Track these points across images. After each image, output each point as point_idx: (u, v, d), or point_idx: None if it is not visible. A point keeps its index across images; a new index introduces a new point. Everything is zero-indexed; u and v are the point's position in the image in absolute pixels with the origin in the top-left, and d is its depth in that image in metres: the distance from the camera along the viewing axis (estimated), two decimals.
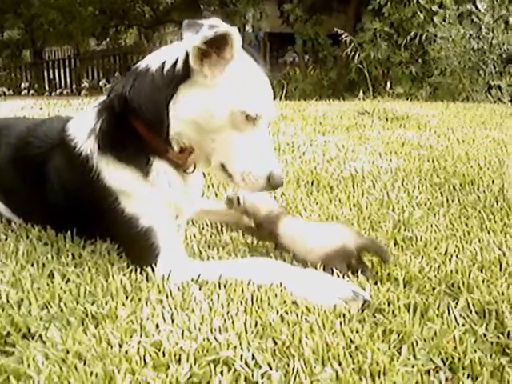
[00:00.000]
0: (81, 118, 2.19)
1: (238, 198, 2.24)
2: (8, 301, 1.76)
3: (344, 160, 3.57)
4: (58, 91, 16.01)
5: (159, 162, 2.01)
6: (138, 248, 2.01)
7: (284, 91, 8.11)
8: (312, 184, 3.01)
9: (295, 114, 5.90)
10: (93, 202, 2.05)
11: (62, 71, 18.64)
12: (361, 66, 9.56)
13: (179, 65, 1.87)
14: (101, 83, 14.09)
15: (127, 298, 1.79)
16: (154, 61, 1.96)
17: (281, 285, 1.81)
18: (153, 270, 1.94)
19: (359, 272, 1.95)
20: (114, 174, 2.01)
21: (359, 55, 10.36)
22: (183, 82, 1.88)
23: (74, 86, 17.36)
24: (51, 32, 18.82)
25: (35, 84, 16.66)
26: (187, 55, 1.84)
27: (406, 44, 11.56)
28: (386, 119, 5.67)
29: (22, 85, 15.01)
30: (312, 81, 13.32)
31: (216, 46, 1.80)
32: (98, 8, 18.51)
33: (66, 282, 1.88)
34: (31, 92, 14.42)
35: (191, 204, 2.19)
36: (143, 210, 2.00)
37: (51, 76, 18.63)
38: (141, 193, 2.00)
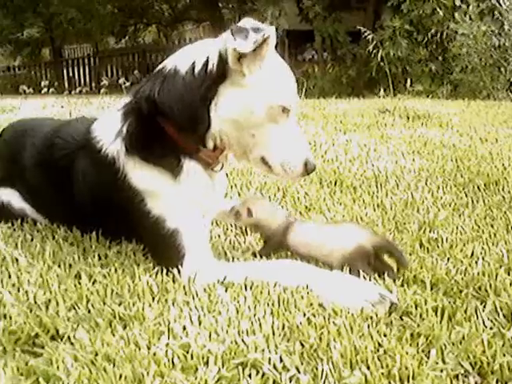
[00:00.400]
0: (106, 120, 2.20)
1: (249, 210, 2.16)
2: (36, 302, 1.78)
3: (366, 159, 3.56)
4: (77, 89, 16.04)
5: (190, 161, 2.01)
6: (164, 249, 2.01)
7: (304, 89, 8.10)
8: (335, 184, 3.00)
9: (315, 113, 5.88)
10: (119, 203, 2.07)
11: (81, 69, 18.76)
12: (382, 64, 9.50)
13: (213, 65, 1.89)
14: (120, 81, 14.03)
15: (154, 299, 1.79)
16: (181, 62, 1.96)
17: (307, 287, 1.80)
18: (179, 271, 1.94)
19: (383, 274, 1.94)
20: (142, 175, 2.02)
21: (379, 53, 10.32)
22: (222, 82, 1.90)
23: (93, 84, 17.45)
24: (70, 30, 18.96)
25: (55, 82, 16.66)
26: (220, 56, 1.87)
27: (426, 41, 11.49)
28: (408, 118, 5.63)
29: (42, 83, 14.99)
30: (331, 78, 13.27)
31: (257, 46, 1.84)
32: (116, 6, 18.61)
33: (93, 283, 1.89)
34: (51, 90, 14.43)
35: (216, 203, 2.21)
36: (170, 212, 2.00)
37: (70, 74, 18.75)
38: (168, 193, 2.01)
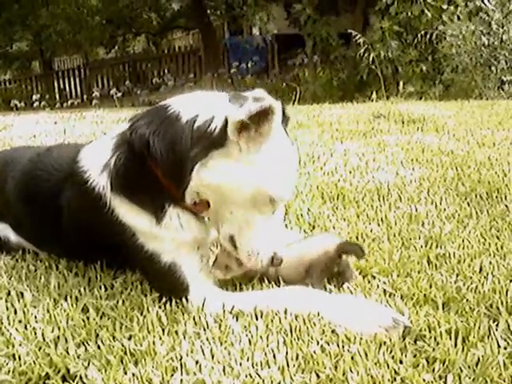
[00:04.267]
0: (94, 149, 2.12)
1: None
2: (44, 339, 1.75)
3: (366, 170, 3.54)
4: (69, 102, 16.05)
5: (174, 208, 1.94)
6: (166, 282, 1.98)
7: (297, 96, 8.10)
8: (337, 198, 2.98)
9: (310, 121, 5.87)
10: (111, 237, 2.01)
11: (72, 81, 18.72)
12: (373, 66, 9.51)
13: (215, 128, 1.78)
14: (111, 92, 14.06)
15: (163, 330, 1.77)
16: (186, 110, 1.86)
17: (318, 314, 1.78)
18: (187, 301, 1.92)
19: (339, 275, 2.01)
20: (129, 213, 1.96)
21: (369, 55, 10.33)
22: (217, 148, 1.79)
23: (84, 96, 17.40)
24: (60, 42, 18.95)
25: (46, 95, 16.71)
26: (226, 122, 1.76)
27: (416, 42, 11.49)
28: (403, 122, 5.63)
29: (34, 96, 15.02)
30: (322, 82, 13.25)
31: (257, 120, 1.72)
32: (105, 17, 18.58)
33: (101, 317, 1.86)
34: (42, 103, 14.45)
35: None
36: (162, 247, 1.96)
37: (61, 86, 18.70)
38: (155, 234, 1.94)
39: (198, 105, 1.87)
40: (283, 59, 17.55)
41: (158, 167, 1.88)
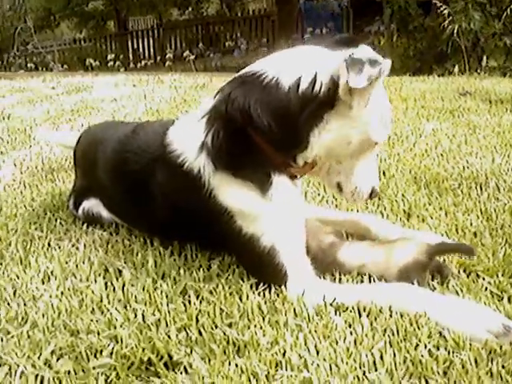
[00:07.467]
0: (183, 131, 2.08)
1: None
2: (145, 321, 1.75)
3: (459, 154, 3.40)
4: (142, 62, 16.20)
5: (279, 176, 1.93)
6: (263, 268, 1.94)
7: None
8: (431, 184, 2.87)
9: (393, 95, 5.67)
10: (207, 220, 1.99)
11: (145, 41, 18.81)
12: (456, 39, 9.15)
13: (320, 88, 1.78)
14: (184, 54, 14.10)
15: (264, 319, 1.74)
16: (284, 73, 1.82)
17: (425, 314, 1.70)
18: (286, 289, 1.88)
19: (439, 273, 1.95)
20: (229, 192, 1.93)
21: (450, 26, 9.94)
22: (328, 110, 1.81)
23: (157, 57, 17.50)
24: (135, 2, 19.03)
25: (120, 55, 16.87)
26: (332, 82, 1.77)
27: (500, 14, 10.98)
28: (490, 101, 5.37)
29: (108, 56, 15.21)
30: (400, 52, 12.87)
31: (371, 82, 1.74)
32: None
33: (201, 302, 1.85)
34: (117, 63, 14.63)
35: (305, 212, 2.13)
36: (263, 229, 1.91)
37: (135, 46, 18.83)
38: (259, 211, 1.91)
39: (295, 66, 1.84)
40: (358, 26, 17.12)
41: (263, 138, 1.86)
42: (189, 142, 1.99)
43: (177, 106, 5.36)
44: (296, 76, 1.81)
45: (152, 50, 18.66)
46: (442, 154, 3.40)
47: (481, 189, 2.77)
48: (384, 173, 3.05)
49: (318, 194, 2.77)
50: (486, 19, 11.21)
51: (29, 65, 15.58)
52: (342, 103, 1.80)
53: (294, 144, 1.88)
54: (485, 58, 9.26)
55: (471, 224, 2.36)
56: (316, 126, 1.83)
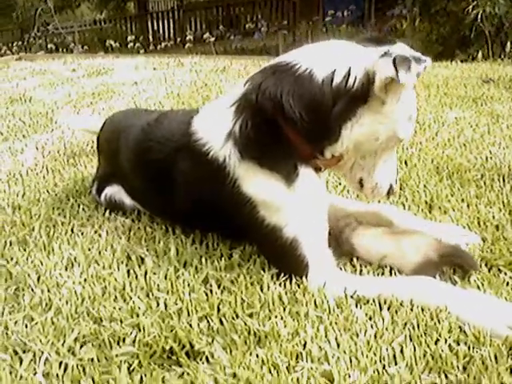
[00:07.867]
0: (209, 119, 2.08)
1: None
2: (167, 310, 1.77)
3: (482, 144, 3.36)
4: (162, 44, 16.17)
5: (305, 168, 1.93)
6: (285, 259, 1.94)
7: None
8: (453, 175, 2.85)
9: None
10: (230, 210, 1.99)
11: (165, 23, 18.76)
12: (480, 24, 9.02)
13: (354, 82, 1.78)
14: (205, 36, 14.05)
15: (285, 310, 1.76)
16: (318, 66, 1.82)
17: (446, 309, 1.70)
18: (307, 280, 1.89)
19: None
20: (254, 182, 1.92)
21: (474, 10, 9.80)
22: (361, 104, 1.81)
23: (177, 39, 17.45)
24: None
25: (140, 36, 16.87)
26: (367, 76, 1.76)
27: None
28: None
29: (128, 37, 15.21)
30: (422, 36, 12.72)
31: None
32: None
33: (222, 291, 1.87)
34: (137, 45, 14.63)
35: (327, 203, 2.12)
36: (286, 220, 1.91)
37: (155, 28, 18.79)
38: (283, 202, 1.91)
39: (329, 59, 1.84)
40: (380, 9, 16.93)
41: (294, 129, 1.86)
42: (215, 130, 1.99)
43: (197, 90, 5.36)
44: (330, 69, 1.81)
45: (172, 31, 18.60)
46: (464, 144, 3.37)
47: (503, 180, 2.74)
48: (406, 162, 3.04)
49: (340, 184, 2.76)
50: (511, 3, 11.03)
51: (49, 46, 15.65)
52: (376, 99, 1.79)
53: (325, 136, 1.87)
54: (509, 43, 9.10)
55: (493, 217, 2.35)
56: (349, 119, 1.82)
